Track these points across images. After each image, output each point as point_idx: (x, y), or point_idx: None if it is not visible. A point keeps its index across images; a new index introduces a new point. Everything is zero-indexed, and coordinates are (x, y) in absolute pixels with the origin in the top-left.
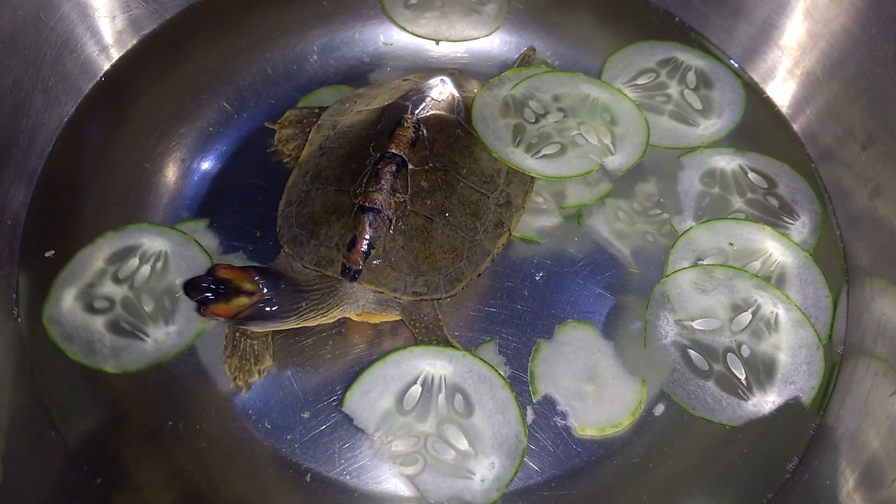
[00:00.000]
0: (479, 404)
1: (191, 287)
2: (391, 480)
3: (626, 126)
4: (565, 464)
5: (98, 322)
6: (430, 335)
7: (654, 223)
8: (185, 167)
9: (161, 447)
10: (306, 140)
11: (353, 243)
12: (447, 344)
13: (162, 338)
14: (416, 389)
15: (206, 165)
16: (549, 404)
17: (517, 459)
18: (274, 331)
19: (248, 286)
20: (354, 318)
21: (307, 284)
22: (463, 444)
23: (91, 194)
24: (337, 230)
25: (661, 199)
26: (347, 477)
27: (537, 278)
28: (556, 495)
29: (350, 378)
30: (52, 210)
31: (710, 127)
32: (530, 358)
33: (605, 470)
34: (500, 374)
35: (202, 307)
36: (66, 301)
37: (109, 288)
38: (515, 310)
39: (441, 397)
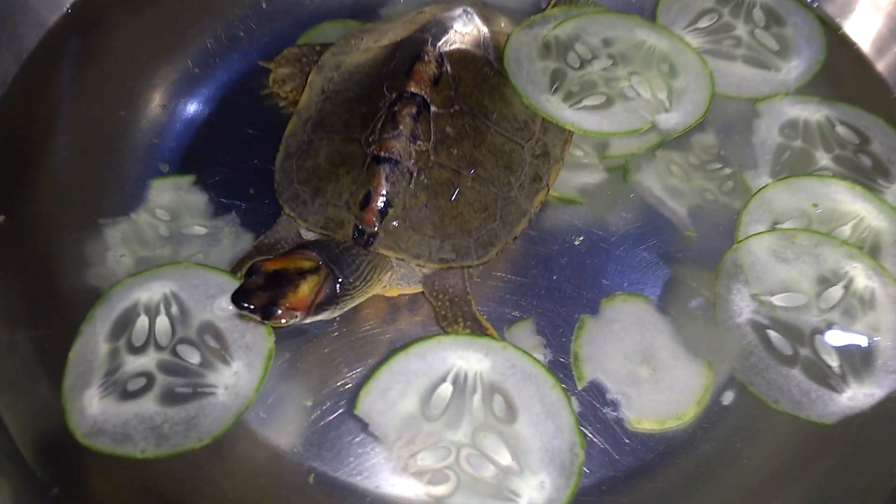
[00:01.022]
0: (523, 408)
1: (243, 298)
2: (411, 484)
3: (686, 80)
4: (618, 464)
5: (148, 403)
6: (455, 310)
7: (713, 179)
8: (165, 114)
9: None
10: (305, 83)
11: (366, 201)
12: (475, 322)
13: (231, 381)
14: (446, 389)
15: (189, 112)
16: (597, 392)
17: (573, 478)
18: None
19: (306, 264)
20: (380, 291)
21: (346, 241)
22: (505, 458)
23: (54, 146)
24: (347, 186)
25: (722, 152)
26: (358, 478)
27: (577, 244)
28: (608, 502)
29: (360, 361)
30: (3, 166)
31: (793, 70)
32: (573, 338)
33: (666, 471)
34: (548, 369)
35: (268, 313)
36: (92, 404)
37: (134, 362)
38: (553, 282)
39: (476, 399)
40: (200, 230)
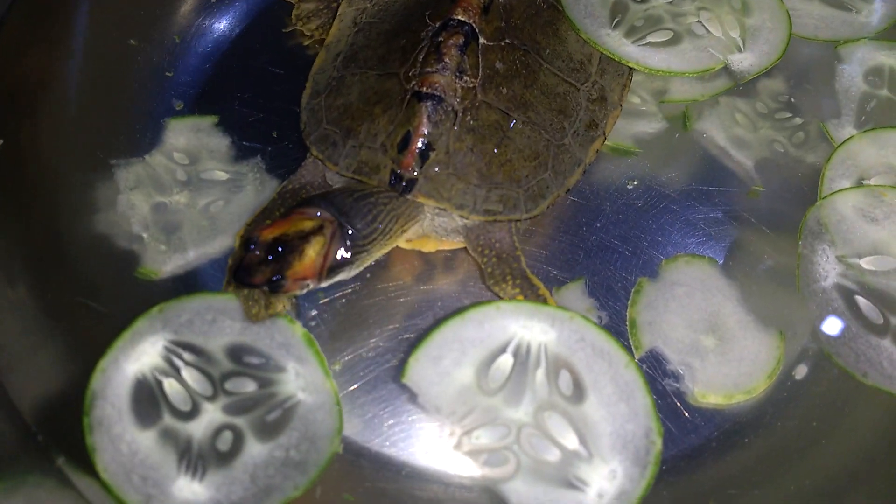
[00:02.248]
0: (593, 387)
1: (246, 276)
2: (464, 462)
3: (761, 17)
4: (679, 441)
5: (254, 448)
6: (503, 268)
7: (782, 130)
8: (179, 46)
9: None
10: (334, 17)
11: (405, 142)
12: (526, 281)
13: (300, 382)
14: (506, 361)
15: (206, 46)
16: (656, 362)
17: (649, 468)
18: None
19: (307, 224)
20: (403, 244)
21: (364, 189)
22: (571, 442)
23: (59, 72)
24: (383, 126)
25: (792, 100)
26: (392, 450)
27: (633, 199)
28: (668, 483)
29: (392, 323)
30: (3, 94)
31: (874, 12)
32: (630, 302)
33: (733, 452)
34: (621, 345)
35: (276, 287)
36: (197, 492)
37: (199, 425)
38: (608, 240)
39: (540, 374)
40: (222, 175)
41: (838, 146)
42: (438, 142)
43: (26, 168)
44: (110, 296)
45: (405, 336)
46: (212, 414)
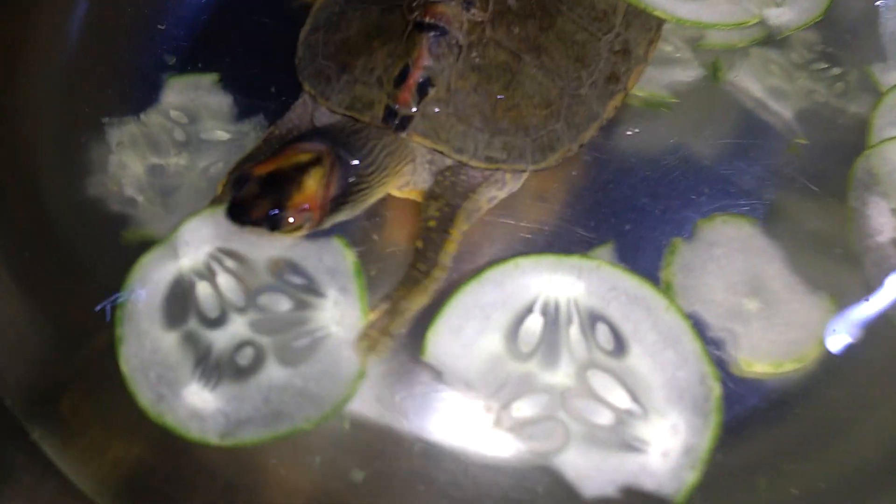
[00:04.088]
0: (634, 338)
1: (240, 212)
2: (507, 440)
3: None
4: (724, 414)
5: (274, 370)
6: (447, 192)
7: (820, 80)
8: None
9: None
10: None
11: (403, 76)
12: (450, 218)
13: (336, 313)
14: (535, 321)
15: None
16: (695, 328)
17: (712, 416)
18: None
19: (303, 157)
20: (397, 193)
21: (355, 125)
22: (622, 400)
23: (37, 28)
24: (381, 60)
25: (828, 50)
26: (404, 421)
27: (664, 155)
28: (712, 459)
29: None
30: None
31: None
32: (663, 264)
33: (783, 425)
34: (657, 288)
35: (277, 221)
36: (206, 400)
37: (224, 335)
38: (637, 200)
39: (574, 330)
40: (223, 135)
41: (886, 91)
42: (439, 77)
43: (7, 126)
44: (98, 262)
45: (435, 311)
46: (238, 327)
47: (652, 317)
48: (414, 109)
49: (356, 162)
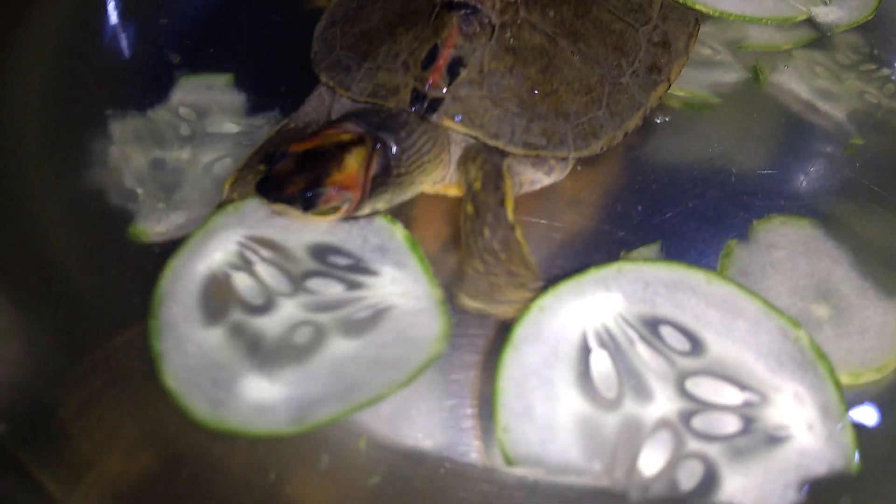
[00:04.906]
0: (699, 324)
1: (275, 187)
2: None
3: None
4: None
5: (338, 343)
6: (483, 155)
7: (870, 81)
8: None
9: (120, 387)
10: None
11: (431, 57)
12: (497, 171)
13: (398, 288)
14: (601, 357)
15: None
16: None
17: (820, 366)
18: None
19: (344, 136)
20: (429, 189)
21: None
22: (734, 396)
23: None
24: (406, 44)
25: (875, 52)
26: (428, 441)
27: (712, 154)
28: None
29: None
30: None
31: None
32: (719, 268)
33: (867, 443)
34: (685, 263)
35: (312, 199)
36: (264, 388)
37: (274, 319)
38: (683, 200)
39: (642, 348)
40: (232, 128)
41: None
42: (471, 58)
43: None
44: (97, 258)
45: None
46: (289, 309)
47: (699, 295)
48: (444, 91)
49: (396, 146)
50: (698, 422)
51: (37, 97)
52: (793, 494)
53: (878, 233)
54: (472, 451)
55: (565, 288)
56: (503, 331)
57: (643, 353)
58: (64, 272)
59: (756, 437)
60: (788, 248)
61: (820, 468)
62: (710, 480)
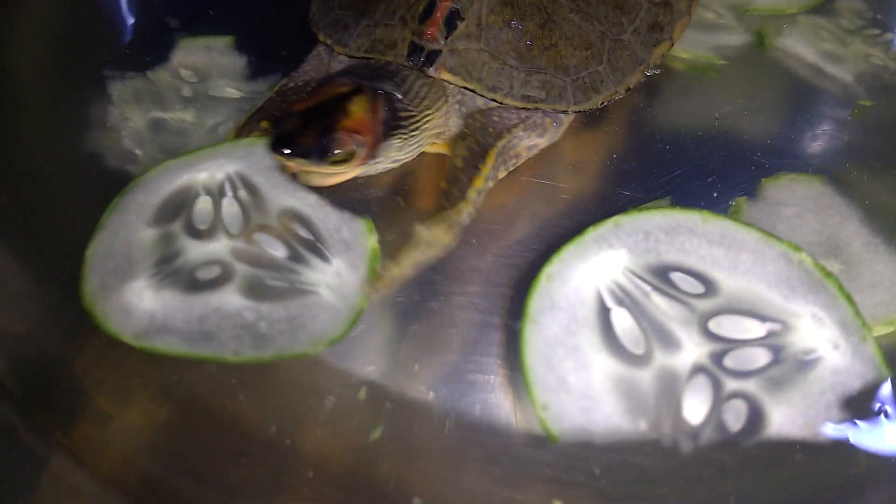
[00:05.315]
0: (707, 264)
1: (288, 142)
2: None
3: None
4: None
5: (230, 295)
6: (477, 134)
7: (876, 44)
8: None
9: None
10: None
11: (429, 10)
12: (483, 154)
13: (334, 281)
14: (622, 315)
15: None
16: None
17: (828, 282)
18: None
19: (341, 88)
20: (429, 149)
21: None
22: (757, 328)
23: None
24: (403, 0)
25: (878, 16)
26: (431, 394)
27: (719, 115)
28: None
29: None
30: None
31: None
32: None
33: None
34: (677, 206)
35: (326, 147)
36: (143, 297)
37: (200, 248)
38: (688, 160)
39: (657, 298)
40: (234, 93)
41: None
42: (469, 11)
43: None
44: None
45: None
46: (219, 246)
47: (699, 235)
48: (442, 44)
49: (397, 94)
50: (730, 361)
51: (36, 60)
52: (836, 413)
53: (888, 190)
54: (476, 405)
55: (568, 252)
56: (497, 286)
57: (661, 304)
58: (68, 232)
59: (788, 365)
60: (797, 204)
61: (854, 383)
62: (756, 417)
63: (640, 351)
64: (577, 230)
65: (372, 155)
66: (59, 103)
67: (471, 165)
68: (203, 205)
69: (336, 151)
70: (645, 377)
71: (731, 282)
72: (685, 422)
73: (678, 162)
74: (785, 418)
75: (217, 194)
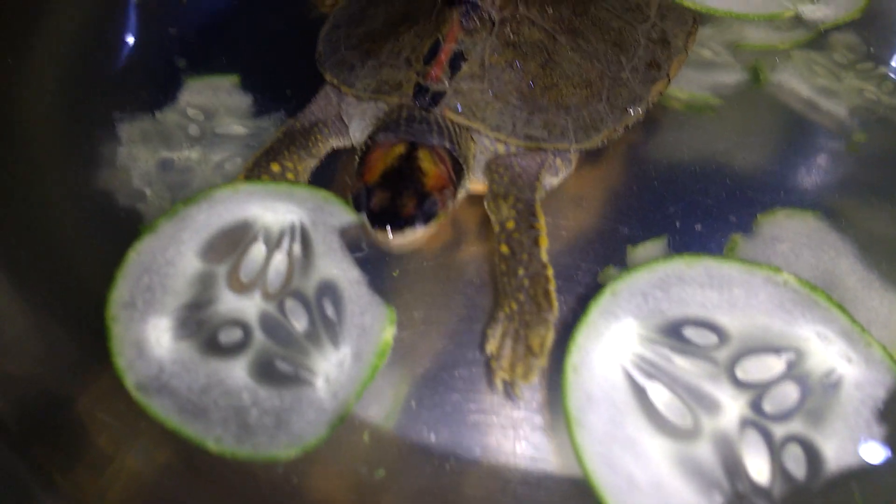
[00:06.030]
0: (707, 310)
1: (391, 216)
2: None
3: None
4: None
5: (239, 370)
6: (510, 188)
7: (869, 79)
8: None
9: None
10: None
11: (433, 52)
12: (528, 208)
13: (335, 371)
14: (655, 389)
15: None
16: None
17: (816, 295)
18: None
19: (396, 150)
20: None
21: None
22: (776, 364)
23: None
24: (408, 41)
25: (872, 50)
26: (432, 435)
27: (715, 152)
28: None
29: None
30: None
31: None
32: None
33: None
34: (657, 258)
35: (431, 208)
36: (161, 341)
37: (234, 303)
38: (686, 196)
39: (680, 361)
40: (240, 129)
41: None
42: (472, 52)
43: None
44: (109, 257)
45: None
46: (251, 304)
47: (688, 282)
48: (446, 85)
49: (444, 143)
50: (768, 405)
51: (47, 100)
52: (877, 428)
53: (883, 226)
54: (476, 446)
55: (582, 336)
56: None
57: (685, 365)
58: (76, 271)
59: (818, 393)
60: (792, 240)
61: (878, 392)
62: (814, 458)
63: (688, 423)
64: (580, 268)
65: (454, 199)
66: (69, 144)
67: (527, 225)
68: (255, 254)
69: (440, 213)
70: (702, 449)
71: (736, 322)
72: (755, 483)
73: (675, 198)
74: (839, 451)
75: (273, 244)
